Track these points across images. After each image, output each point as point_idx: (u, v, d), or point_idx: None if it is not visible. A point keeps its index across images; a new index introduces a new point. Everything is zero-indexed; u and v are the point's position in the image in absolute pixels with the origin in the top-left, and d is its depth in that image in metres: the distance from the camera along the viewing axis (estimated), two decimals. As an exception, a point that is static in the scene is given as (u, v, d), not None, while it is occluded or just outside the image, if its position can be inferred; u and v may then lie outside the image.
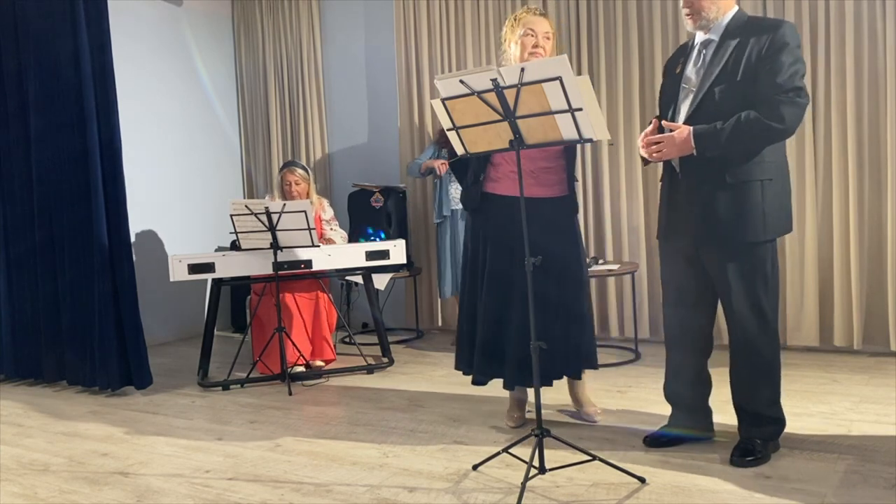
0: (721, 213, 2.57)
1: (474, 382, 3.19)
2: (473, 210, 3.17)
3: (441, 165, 4.82)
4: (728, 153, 2.51)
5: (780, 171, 2.61)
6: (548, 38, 3.05)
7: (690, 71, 2.69)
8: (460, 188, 4.82)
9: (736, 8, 2.65)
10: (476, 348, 3.11)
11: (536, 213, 3.01)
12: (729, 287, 2.62)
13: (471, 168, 3.16)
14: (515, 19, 3.09)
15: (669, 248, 2.82)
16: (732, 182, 2.55)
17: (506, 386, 3.17)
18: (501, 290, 3.04)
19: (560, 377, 3.17)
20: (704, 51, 2.66)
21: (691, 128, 2.53)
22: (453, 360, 4.55)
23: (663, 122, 2.63)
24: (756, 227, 2.56)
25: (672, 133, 2.55)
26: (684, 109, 2.66)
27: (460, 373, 3.27)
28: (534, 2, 5.01)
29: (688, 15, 2.65)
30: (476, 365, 3.13)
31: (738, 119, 2.47)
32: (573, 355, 3.12)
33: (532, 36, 3.02)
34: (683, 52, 2.79)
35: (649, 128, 2.68)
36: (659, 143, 2.57)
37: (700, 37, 2.68)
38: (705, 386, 2.86)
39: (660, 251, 2.91)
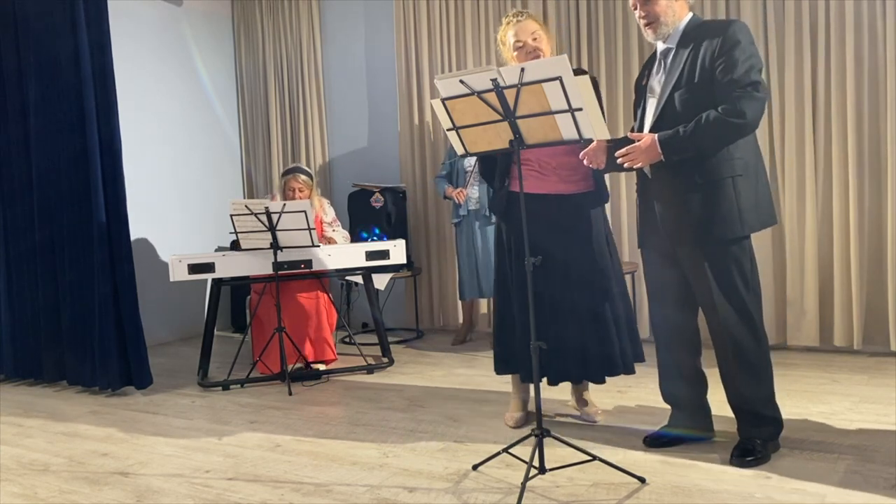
0: (695, 212, 2.59)
1: (524, 380, 3.17)
2: (502, 214, 3.11)
3: (458, 195, 4.80)
4: (694, 154, 2.54)
5: (752, 166, 2.62)
6: (537, 38, 3.02)
7: (654, 80, 2.75)
8: (477, 189, 4.82)
9: (691, 14, 2.70)
10: (521, 352, 3.05)
11: (558, 210, 3.00)
12: (709, 287, 2.63)
13: (498, 170, 3.10)
14: (502, 38, 3.07)
15: (649, 251, 2.86)
16: (702, 181, 2.58)
17: (550, 382, 3.12)
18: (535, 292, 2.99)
19: (580, 381, 3.16)
20: (664, 60, 2.71)
21: (655, 135, 2.56)
22: (453, 360, 4.62)
23: (629, 134, 2.68)
24: (732, 224, 2.57)
25: (638, 143, 2.58)
26: (649, 118, 2.71)
27: (503, 375, 3.25)
28: (534, 3, 5.01)
29: (646, 25, 2.68)
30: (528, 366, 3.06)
31: (698, 121, 2.51)
32: (592, 360, 3.05)
33: (522, 45, 3.00)
34: (649, 64, 2.85)
35: (593, 143, 2.74)
36: (627, 154, 2.60)
37: (661, 46, 2.73)
38: (701, 384, 2.87)
39: (641, 255, 2.95)
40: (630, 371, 3.11)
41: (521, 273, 2.99)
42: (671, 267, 2.77)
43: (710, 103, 2.53)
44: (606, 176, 3.17)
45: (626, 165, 2.63)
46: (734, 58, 2.51)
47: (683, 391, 2.86)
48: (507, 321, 3.12)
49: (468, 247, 4.89)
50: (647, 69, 2.84)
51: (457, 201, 4.84)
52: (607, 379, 3.12)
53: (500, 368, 3.21)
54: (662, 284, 2.83)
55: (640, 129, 2.76)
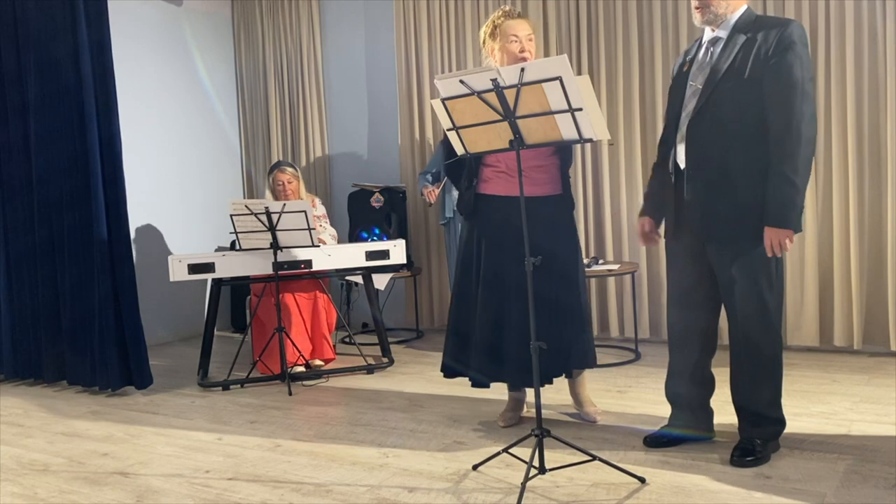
0: (726, 211, 2.56)
1: (474, 385, 3.17)
2: (469, 214, 3.15)
3: (430, 193, 4.87)
4: (803, 192, 2.49)
5: None
6: (531, 40, 3.03)
7: (697, 69, 2.68)
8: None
9: (745, 6, 2.63)
10: (473, 350, 3.09)
11: (528, 211, 3.00)
12: (733, 285, 2.62)
13: (465, 172, 3.14)
14: (494, 27, 3.05)
15: (676, 246, 2.81)
16: (738, 180, 2.54)
17: (511, 388, 3.18)
18: (498, 291, 3.03)
19: (559, 375, 3.16)
20: (712, 49, 2.64)
21: (766, 227, 2.49)
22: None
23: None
24: (760, 227, 2.54)
25: (768, 238, 2.51)
26: (689, 108, 2.65)
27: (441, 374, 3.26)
28: (534, 2, 5.01)
29: (697, 8, 2.62)
30: (477, 367, 3.09)
31: (778, 173, 2.45)
32: (566, 355, 3.08)
33: (516, 41, 3.00)
34: (692, 51, 2.78)
35: (645, 224, 2.90)
36: (771, 246, 2.52)
37: (708, 34, 2.67)
38: (708, 386, 2.85)
39: (666, 249, 2.90)
40: (592, 365, 3.18)
41: (490, 273, 3.04)
42: (695, 265, 2.73)
43: (756, 101, 2.49)
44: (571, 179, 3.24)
45: (785, 252, 2.54)
46: (788, 60, 2.46)
47: (689, 392, 2.84)
48: (462, 324, 3.13)
49: (455, 247, 4.93)
50: (688, 55, 2.77)
51: (427, 200, 4.88)
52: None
53: (449, 371, 3.21)
54: (684, 283, 2.79)
55: (678, 118, 2.70)
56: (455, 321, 3.18)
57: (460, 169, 3.16)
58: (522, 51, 3.00)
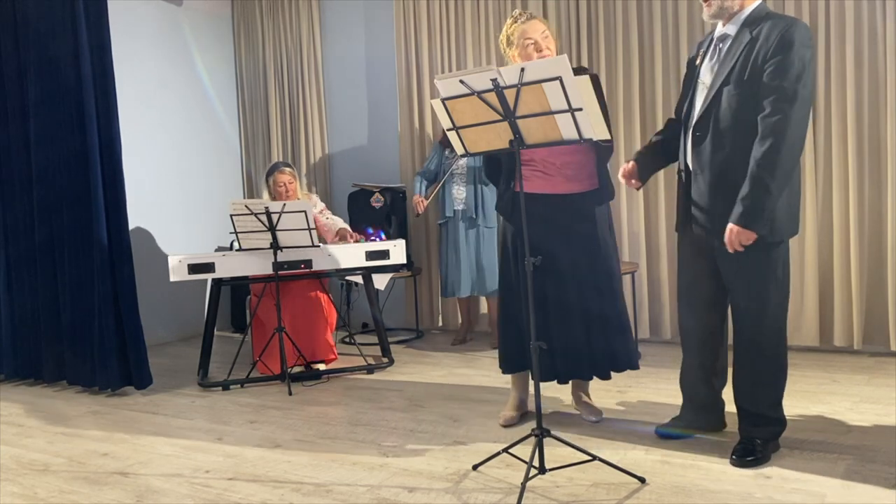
0: (729, 212, 2.55)
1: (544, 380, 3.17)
2: (509, 215, 3.09)
3: (418, 204, 4.90)
4: (776, 198, 2.47)
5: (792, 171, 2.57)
6: (546, 37, 3.01)
7: (706, 66, 2.66)
8: (463, 190, 4.85)
9: (759, 1, 2.58)
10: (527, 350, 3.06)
11: (565, 210, 3.00)
12: (737, 287, 2.62)
13: (503, 173, 3.10)
14: (508, 37, 3.05)
15: (685, 243, 2.81)
16: (740, 181, 2.52)
17: (560, 381, 3.15)
18: (540, 288, 2.98)
19: (587, 378, 3.15)
20: (721, 45, 2.62)
21: (730, 224, 2.49)
22: (453, 360, 4.61)
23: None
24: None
25: (729, 234, 2.50)
26: (697, 107, 2.65)
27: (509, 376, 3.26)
28: (534, 3, 5.01)
29: (705, 1, 2.60)
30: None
31: (752, 174, 2.44)
32: (599, 358, 3.06)
33: (532, 43, 2.99)
34: (704, 45, 2.76)
35: (629, 166, 2.81)
36: (733, 243, 2.51)
37: (719, 30, 2.64)
38: (719, 382, 2.88)
39: (677, 246, 2.90)
40: (634, 367, 3.13)
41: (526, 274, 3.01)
42: (704, 263, 2.73)
43: (757, 103, 2.46)
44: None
45: (739, 250, 2.53)
46: (785, 63, 2.42)
47: (701, 388, 2.87)
48: (515, 322, 3.12)
49: (454, 246, 4.92)
50: (700, 48, 2.74)
51: (417, 211, 4.93)
52: (612, 376, 3.13)
53: (509, 367, 3.20)
54: (692, 281, 2.80)
55: (688, 116, 2.70)
56: (509, 341, 3.14)
57: (499, 169, 3.13)
58: (540, 50, 2.98)
